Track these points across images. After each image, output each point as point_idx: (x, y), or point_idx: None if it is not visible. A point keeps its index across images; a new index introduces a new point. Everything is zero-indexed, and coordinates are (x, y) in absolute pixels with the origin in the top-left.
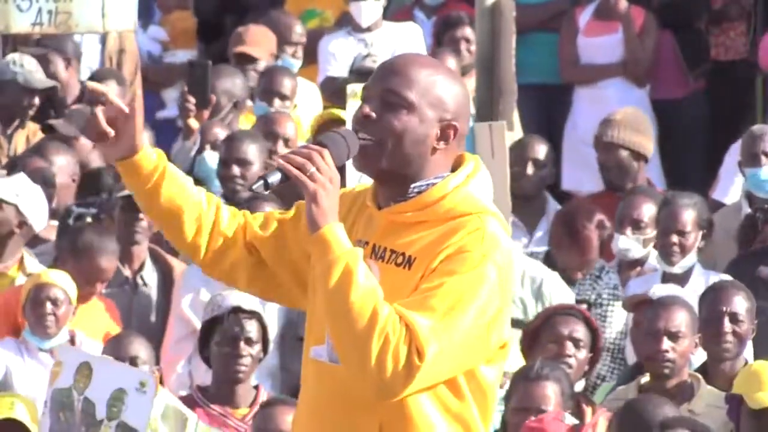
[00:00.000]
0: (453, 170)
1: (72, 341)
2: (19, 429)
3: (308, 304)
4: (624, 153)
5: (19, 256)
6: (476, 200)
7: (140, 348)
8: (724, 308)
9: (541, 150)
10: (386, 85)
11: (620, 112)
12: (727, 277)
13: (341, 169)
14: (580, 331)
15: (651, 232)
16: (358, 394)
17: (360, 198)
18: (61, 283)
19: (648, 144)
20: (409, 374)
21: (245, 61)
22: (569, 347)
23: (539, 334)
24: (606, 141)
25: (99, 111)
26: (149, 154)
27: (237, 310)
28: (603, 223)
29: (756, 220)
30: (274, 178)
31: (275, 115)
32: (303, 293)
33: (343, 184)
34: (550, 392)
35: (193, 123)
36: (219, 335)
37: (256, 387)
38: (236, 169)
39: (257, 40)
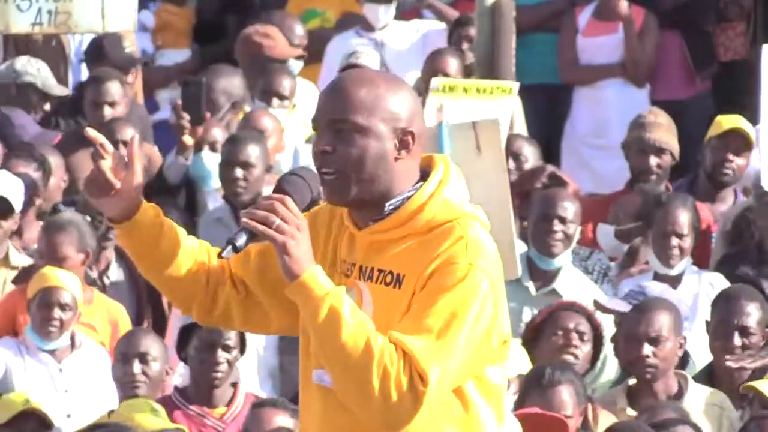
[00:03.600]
0: (422, 173)
1: (72, 343)
2: (37, 421)
3: (300, 330)
4: (666, 156)
5: (5, 251)
6: (453, 205)
7: (152, 344)
8: (735, 321)
9: (522, 146)
10: (332, 115)
11: (652, 113)
12: (723, 280)
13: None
14: (584, 325)
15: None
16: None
17: (336, 214)
18: (71, 286)
19: (675, 148)
20: (416, 401)
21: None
22: (575, 339)
23: (543, 329)
24: (649, 144)
25: (102, 163)
26: (147, 209)
27: None
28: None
29: (747, 221)
30: (241, 240)
31: (252, 114)
32: (296, 319)
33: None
34: (566, 396)
35: (188, 140)
36: (197, 341)
37: (234, 385)
38: (239, 172)
39: (279, 39)
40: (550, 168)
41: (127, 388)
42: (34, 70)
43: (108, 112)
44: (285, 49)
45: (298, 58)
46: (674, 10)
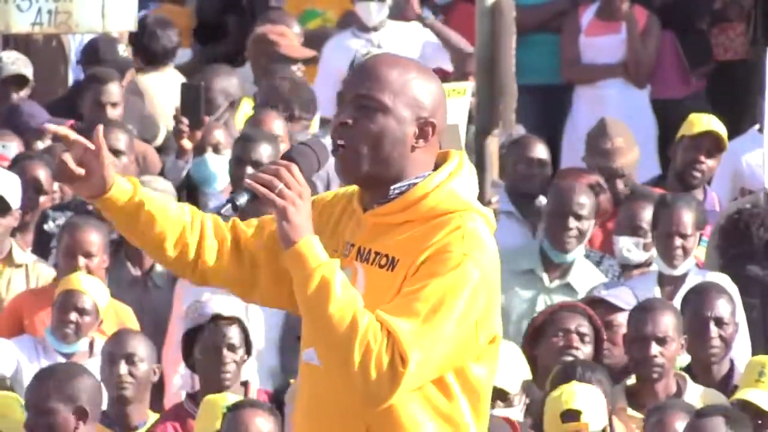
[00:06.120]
0: (437, 167)
1: (91, 348)
2: None
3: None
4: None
5: (8, 249)
6: (459, 197)
7: (139, 345)
8: (709, 313)
9: (541, 149)
10: (359, 90)
11: (609, 139)
12: (727, 280)
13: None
14: (585, 327)
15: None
16: (346, 397)
17: (350, 199)
18: (93, 292)
19: (636, 158)
20: (394, 381)
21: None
22: (576, 340)
23: (544, 329)
24: (618, 173)
25: (67, 155)
26: (122, 187)
27: (217, 318)
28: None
29: (738, 223)
30: (242, 199)
31: (263, 116)
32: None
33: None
34: None
35: (186, 144)
36: (201, 344)
37: (245, 384)
38: (250, 170)
39: (294, 39)
40: (598, 177)
41: (113, 389)
42: None
43: (110, 112)
44: (300, 48)
45: (311, 58)
46: (667, 8)
